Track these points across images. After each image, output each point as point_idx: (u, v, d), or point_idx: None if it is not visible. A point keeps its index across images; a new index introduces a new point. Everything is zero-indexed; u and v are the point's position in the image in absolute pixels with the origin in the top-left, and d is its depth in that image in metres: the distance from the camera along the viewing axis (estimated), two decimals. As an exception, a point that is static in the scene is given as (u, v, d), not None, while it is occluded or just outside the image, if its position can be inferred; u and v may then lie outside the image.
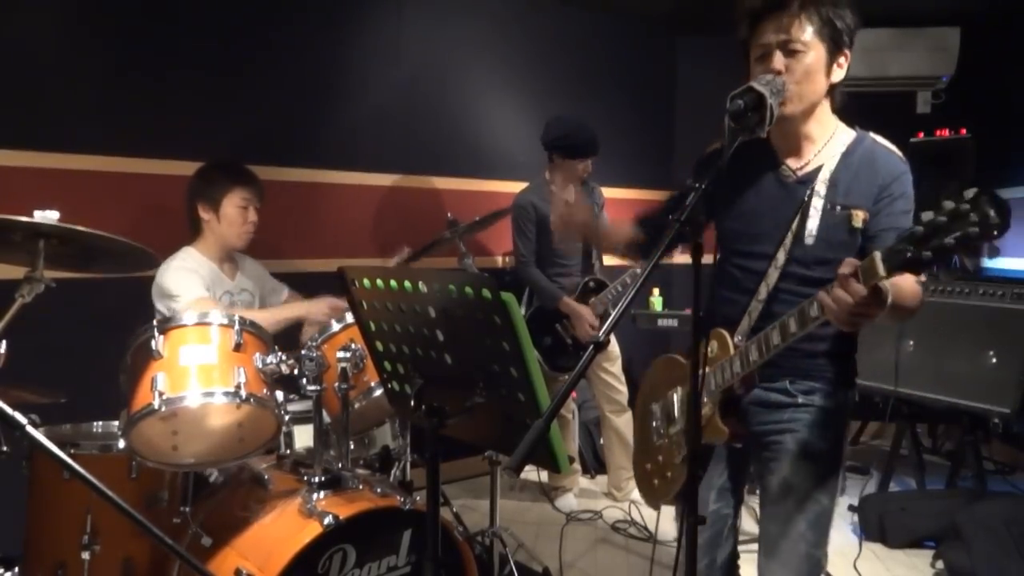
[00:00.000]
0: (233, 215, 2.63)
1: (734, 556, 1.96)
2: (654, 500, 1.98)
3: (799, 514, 1.73)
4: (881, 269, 1.32)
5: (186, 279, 2.51)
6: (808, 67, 1.63)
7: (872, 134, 1.75)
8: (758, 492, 1.86)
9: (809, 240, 1.67)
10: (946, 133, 4.57)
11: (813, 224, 1.67)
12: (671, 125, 5.19)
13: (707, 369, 1.72)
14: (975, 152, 4.51)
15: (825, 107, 1.72)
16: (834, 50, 1.65)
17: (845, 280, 1.37)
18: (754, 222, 1.76)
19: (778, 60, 1.62)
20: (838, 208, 1.66)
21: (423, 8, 4.02)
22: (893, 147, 1.73)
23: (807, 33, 1.62)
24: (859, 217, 1.65)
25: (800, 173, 1.72)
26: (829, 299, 1.42)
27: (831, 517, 1.77)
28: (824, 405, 1.74)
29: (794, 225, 1.69)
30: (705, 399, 1.72)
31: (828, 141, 1.72)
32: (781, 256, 1.70)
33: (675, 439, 1.85)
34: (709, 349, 1.75)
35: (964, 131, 4.51)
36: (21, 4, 2.90)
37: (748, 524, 2.82)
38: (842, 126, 1.75)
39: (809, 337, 1.63)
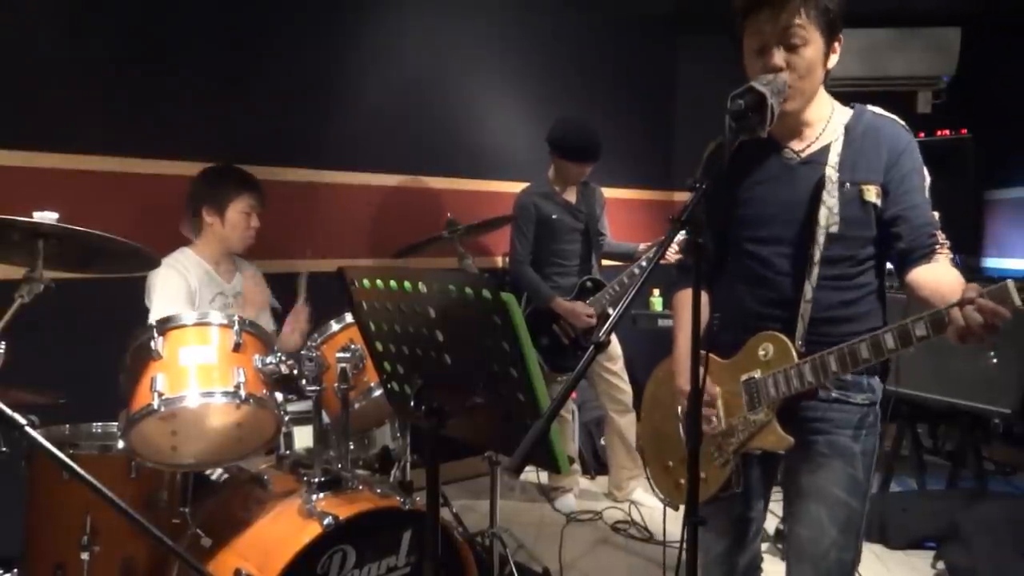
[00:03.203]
0: (237, 220, 2.65)
1: (756, 560, 1.91)
2: (677, 500, 1.91)
3: (830, 519, 1.68)
4: (1016, 299, 1.29)
5: (170, 287, 2.51)
6: (809, 61, 1.59)
7: (870, 106, 1.71)
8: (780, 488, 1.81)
9: (833, 219, 1.62)
10: (946, 133, 4.57)
11: (833, 203, 1.62)
12: (671, 125, 5.19)
13: (758, 374, 1.69)
14: (975, 152, 4.51)
15: (820, 89, 1.69)
16: (830, 38, 1.62)
17: (989, 306, 1.31)
18: (762, 207, 1.72)
19: (778, 56, 1.58)
20: (848, 185, 1.62)
21: (423, 8, 4.02)
22: (894, 116, 1.69)
23: (806, 26, 1.57)
24: (871, 192, 1.61)
25: (804, 154, 1.69)
26: (961, 320, 1.36)
27: (863, 518, 1.72)
28: (857, 401, 1.69)
29: (816, 210, 1.63)
30: (763, 407, 1.69)
31: (828, 120, 1.69)
32: (817, 253, 1.63)
33: (711, 440, 1.78)
34: (763, 353, 1.69)
35: (964, 131, 4.52)
36: (21, 4, 2.89)
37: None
38: (837, 104, 1.72)
39: (843, 320, 1.62)
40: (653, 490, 1.99)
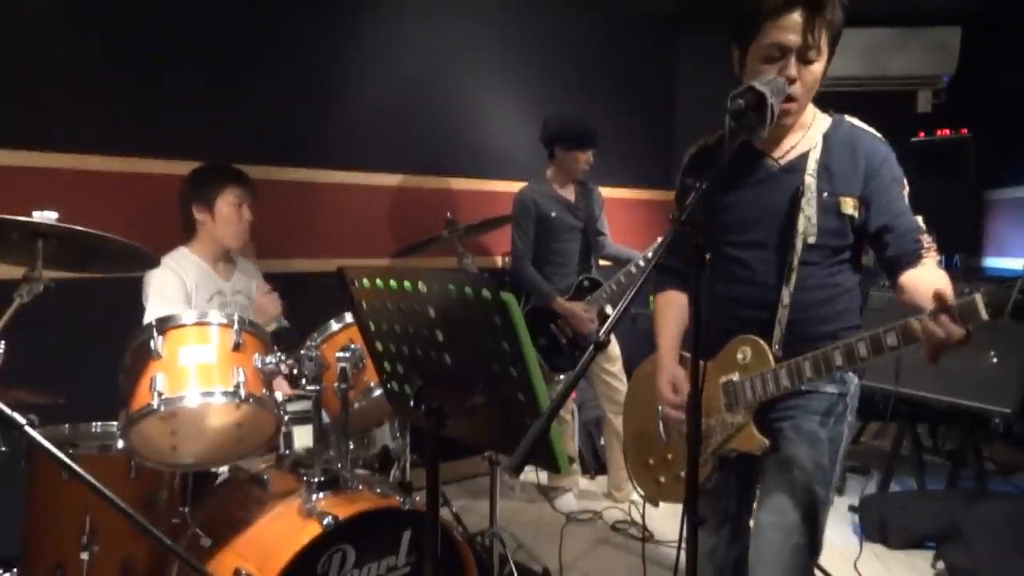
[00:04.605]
0: (228, 214, 2.64)
1: (743, 556, 1.90)
2: (656, 497, 1.95)
3: (794, 505, 1.69)
4: (983, 313, 1.30)
5: (166, 287, 2.51)
6: (817, 76, 1.62)
7: (848, 117, 1.74)
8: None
9: (811, 230, 1.65)
10: (946, 133, 4.57)
11: (811, 213, 1.65)
12: (671, 125, 5.18)
13: (736, 377, 1.71)
14: (975, 152, 4.51)
15: None
16: (832, 53, 1.64)
17: (942, 319, 1.33)
18: (746, 212, 1.74)
19: (795, 68, 1.59)
20: (825, 194, 1.65)
21: (423, 8, 4.01)
22: (871, 129, 1.72)
23: (825, 40, 1.59)
24: (848, 204, 1.65)
25: (784, 161, 1.71)
26: (919, 331, 1.38)
27: (827, 507, 1.73)
28: (827, 391, 1.72)
29: (795, 217, 1.66)
30: (740, 409, 1.72)
31: (808, 127, 1.71)
32: (795, 259, 1.66)
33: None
34: (741, 356, 1.72)
35: (964, 131, 4.52)
36: (20, 3, 2.89)
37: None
38: (818, 112, 1.74)
39: (819, 319, 1.64)
40: (634, 487, 2.03)
